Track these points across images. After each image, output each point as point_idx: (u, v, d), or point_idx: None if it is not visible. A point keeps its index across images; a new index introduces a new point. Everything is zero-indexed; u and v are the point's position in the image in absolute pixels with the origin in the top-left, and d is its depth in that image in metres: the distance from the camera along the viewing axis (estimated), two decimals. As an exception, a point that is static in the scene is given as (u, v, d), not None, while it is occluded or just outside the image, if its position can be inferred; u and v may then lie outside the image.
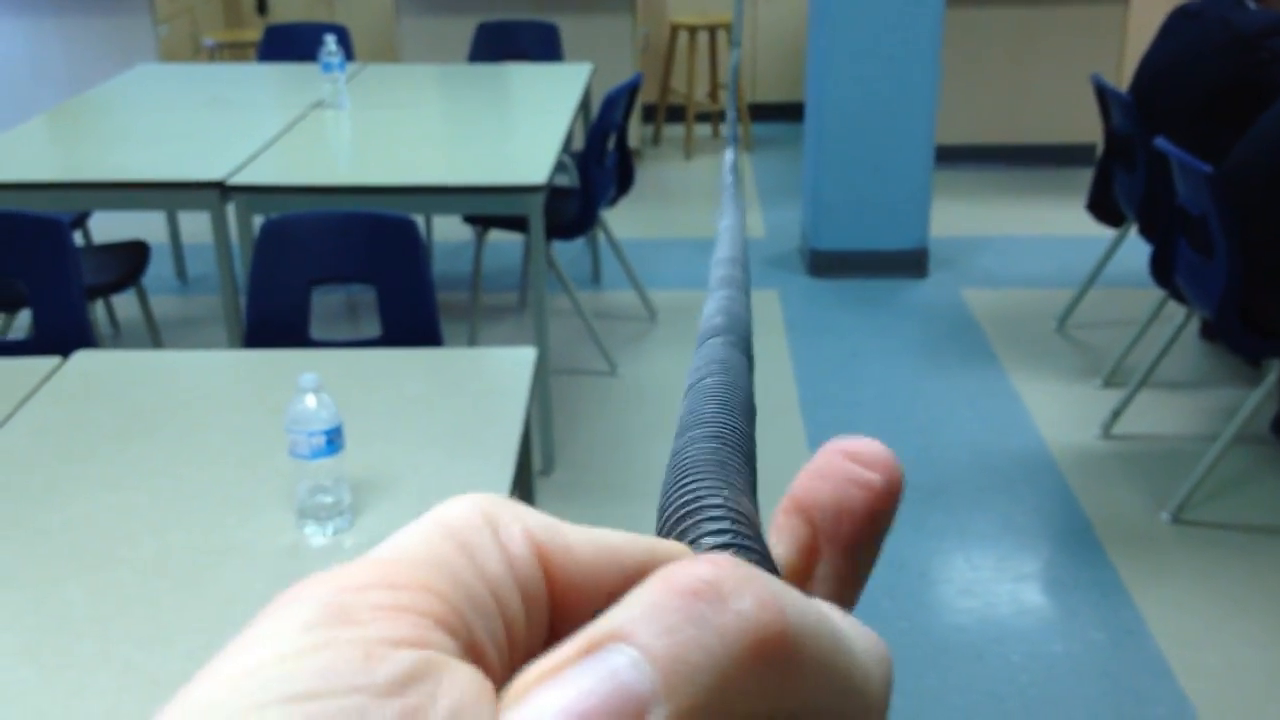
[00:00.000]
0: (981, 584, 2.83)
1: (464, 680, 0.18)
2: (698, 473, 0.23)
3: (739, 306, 0.30)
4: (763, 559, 0.22)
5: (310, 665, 0.17)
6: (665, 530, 0.23)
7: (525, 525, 0.21)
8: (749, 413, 0.26)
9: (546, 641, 0.20)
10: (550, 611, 0.21)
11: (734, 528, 0.22)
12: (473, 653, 0.19)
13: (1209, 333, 3.92)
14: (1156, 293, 3.52)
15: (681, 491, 0.23)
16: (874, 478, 0.25)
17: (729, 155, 0.40)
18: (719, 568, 0.19)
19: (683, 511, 0.22)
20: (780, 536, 0.25)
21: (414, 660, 0.18)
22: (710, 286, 0.31)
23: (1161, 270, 3.32)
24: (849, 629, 0.21)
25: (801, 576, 0.25)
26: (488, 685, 0.18)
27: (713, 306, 0.30)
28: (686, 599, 0.18)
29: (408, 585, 0.19)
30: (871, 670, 0.21)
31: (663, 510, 0.23)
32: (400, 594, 0.19)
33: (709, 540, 0.22)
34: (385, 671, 0.17)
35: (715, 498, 0.22)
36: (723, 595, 0.18)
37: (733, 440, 0.25)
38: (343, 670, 0.17)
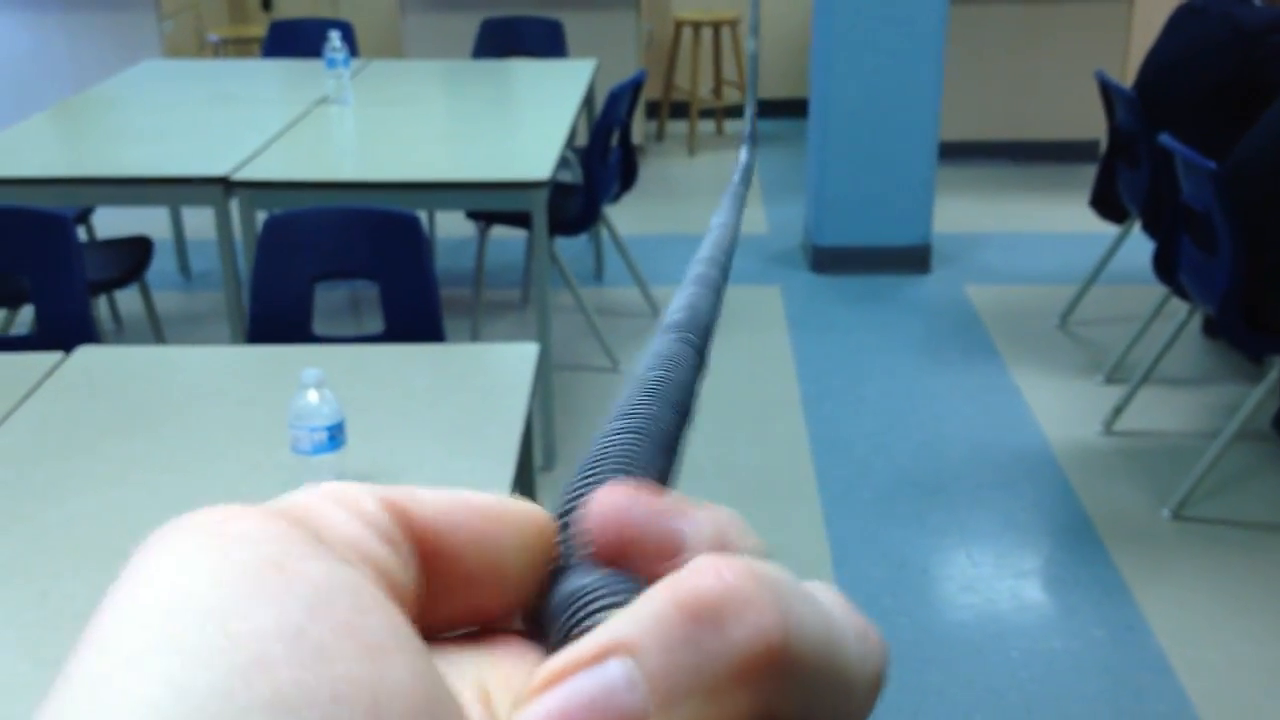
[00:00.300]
0: (982, 580, 2.83)
1: (379, 597, 0.19)
2: (597, 468, 0.23)
3: (705, 304, 0.29)
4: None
5: (219, 593, 0.17)
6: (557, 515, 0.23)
7: (372, 491, 0.21)
8: (682, 408, 0.26)
9: (426, 584, 0.21)
10: (419, 554, 0.21)
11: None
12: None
13: (1211, 329, 3.91)
14: (1159, 289, 3.52)
15: (577, 483, 0.23)
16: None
17: (743, 155, 0.40)
18: (723, 582, 0.19)
19: (569, 506, 0.23)
20: None
21: (327, 570, 0.18)
22: (684, 281, 0.31)
23: (1164, 267, 3.31)
24: (843, 621, 0.21)
25: None
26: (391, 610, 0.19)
27: (678, 302, 0.30)
28: (687, 619, 0.19)
29: (285, 515, 0.19)
30: (863, 668, 0.21)
31: (562, 497, 0.24)
32: (284, 522, 0.19)
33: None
34: (302, 584, 0.18)
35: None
36: (722, 619, 0.19)
37: (652, 432, 0.24)
38: (258, 588, 0.17)
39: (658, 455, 0.24)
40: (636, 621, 0.19)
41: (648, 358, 0.27)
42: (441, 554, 0.21)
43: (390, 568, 0.20)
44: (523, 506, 0.23)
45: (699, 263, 0.32)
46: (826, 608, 0.21)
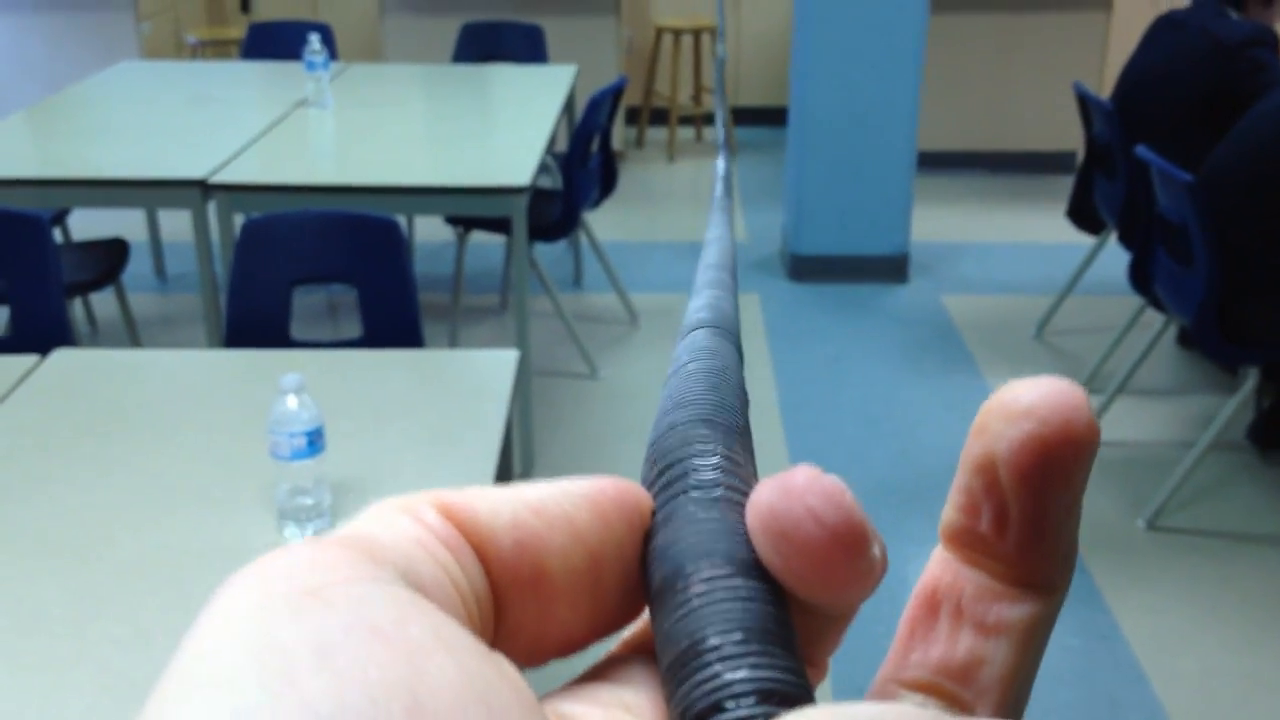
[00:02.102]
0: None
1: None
2: (688, 430, 0.22)
3: (727, 305, 0.29)
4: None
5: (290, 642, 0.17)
6: (655, 473, 0.22)
7: (435, 498, 0.21)
8: (742, 397, 0.25)
9: (506, 601, 0.20)
10: (489, 566, 0.20)
11: (725, 475, 0.21)
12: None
13: (1186, 340, 3.94)
14: (1135, 300, 3.54)
15: (671, 449, 0.22)
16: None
17: (720, 163, 0.40)
18: None
19: (671, 459, 0.22)
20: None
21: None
22: (695, 288, 0.31)
23: (1140, 278, 3.34)
24: None
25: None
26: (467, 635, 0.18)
27: (698, 303, 0.29)
28: None
29: (345, 544, 0.19)
30: None
31: (652, 459, 0.22)
32: (357, 557, 0.19)
33: (696, 491, 0.21)
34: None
35: (706, 454, 0.22)
36: None
37: (726, 417, 0.23)
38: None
39: (744, 435, 0.23)
40: None
41: (690, 351, 0.26)
42: (520, 566, 0.21)
43: (448, 574, 0.20)
44: (624, 497, 0.22)
45: (710, 269, 0.31)
46: None
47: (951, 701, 0.21)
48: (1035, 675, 0.22)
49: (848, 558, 0.20)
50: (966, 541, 0.21)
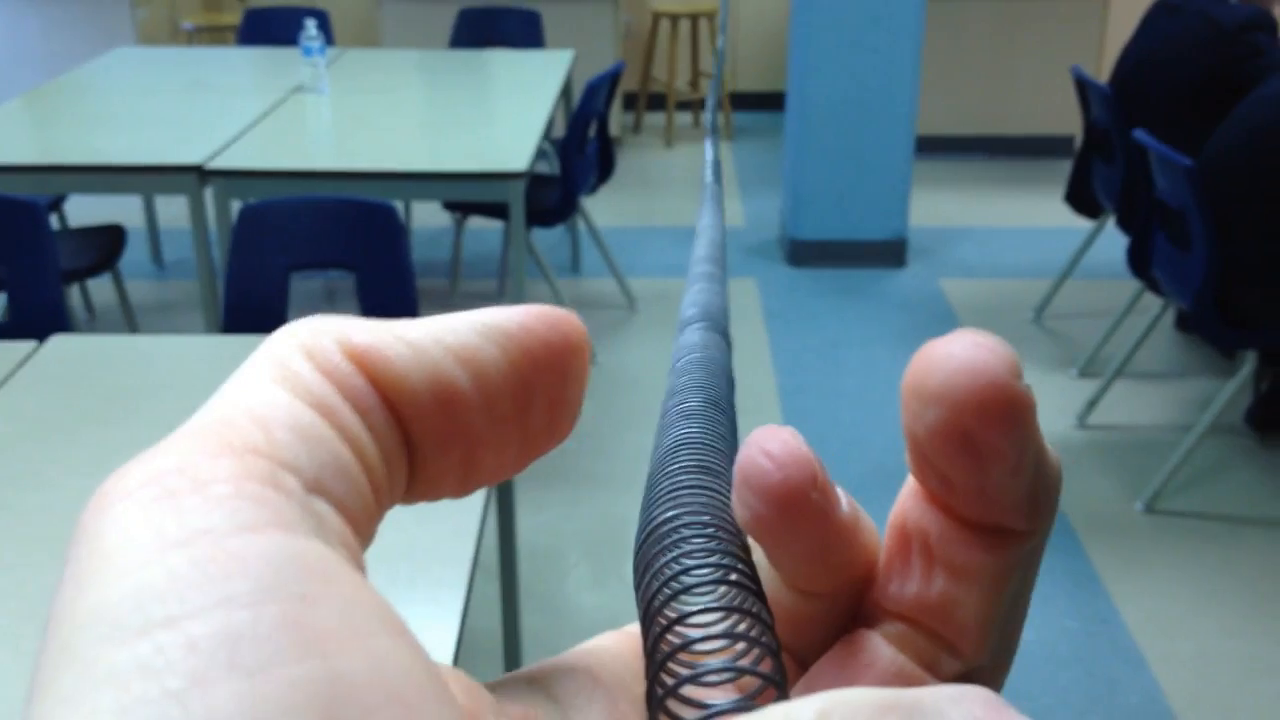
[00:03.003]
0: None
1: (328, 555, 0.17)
2: (680, 478, 0.22)
3: (715, 298, 0.29)
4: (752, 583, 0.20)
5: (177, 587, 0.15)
6: (643, 540, 0.21)
7: (341, 339, 0.19)
8: (726, 378, 0.26)
9: (404, 442, 0.19)
10: (389, 414, 0.19)
11: (721, 559, 0.20)
12: (323, 493, 0.18)
13: (1184, 324, 3.94)
14: (1133, 284, 3.54)
15: (662, 502, 0.21)
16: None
17: (709, 152, 0.40)
18: None
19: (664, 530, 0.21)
20: None
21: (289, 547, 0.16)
22: (688, 282, 0.31)
23: (1138, 262, 3.33)
24: None
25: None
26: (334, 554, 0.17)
27: (688, 299, 0.30)
28: None
29: (240, 451, 0.17)
30: None
31: (646, 513, 0.22)
32: (235, 466, 0.17)
33: (693, 569, 0.20)
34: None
35: (699, 519, 0.21)
36: None
37: (719, 408, 0.24)
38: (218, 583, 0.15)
39: (727, 420, 0.24)
40: None
41: (681, 348, 0.26)
42: (440, 422, 0.20)
43: (355, 448, 0.18)
44: (554, 334, 0.21)
45: (700, 262, 0.32)
46: None
47: (933, 637, 0.21)
48: (1024, 616, 0.22)
49: (800, 492, 0.20)
50: (924, 481, 0.21)
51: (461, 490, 0.21)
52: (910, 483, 0.22)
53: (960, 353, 0.19)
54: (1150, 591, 2.78)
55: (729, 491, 0.21)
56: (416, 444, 0.20)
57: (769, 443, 0.20)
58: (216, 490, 0.16)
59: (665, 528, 0.20)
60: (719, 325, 0.28)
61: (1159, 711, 2.42)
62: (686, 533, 0.20)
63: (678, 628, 0.19)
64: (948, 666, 0.21)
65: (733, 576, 0.20)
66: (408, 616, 0.17)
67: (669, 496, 0.21)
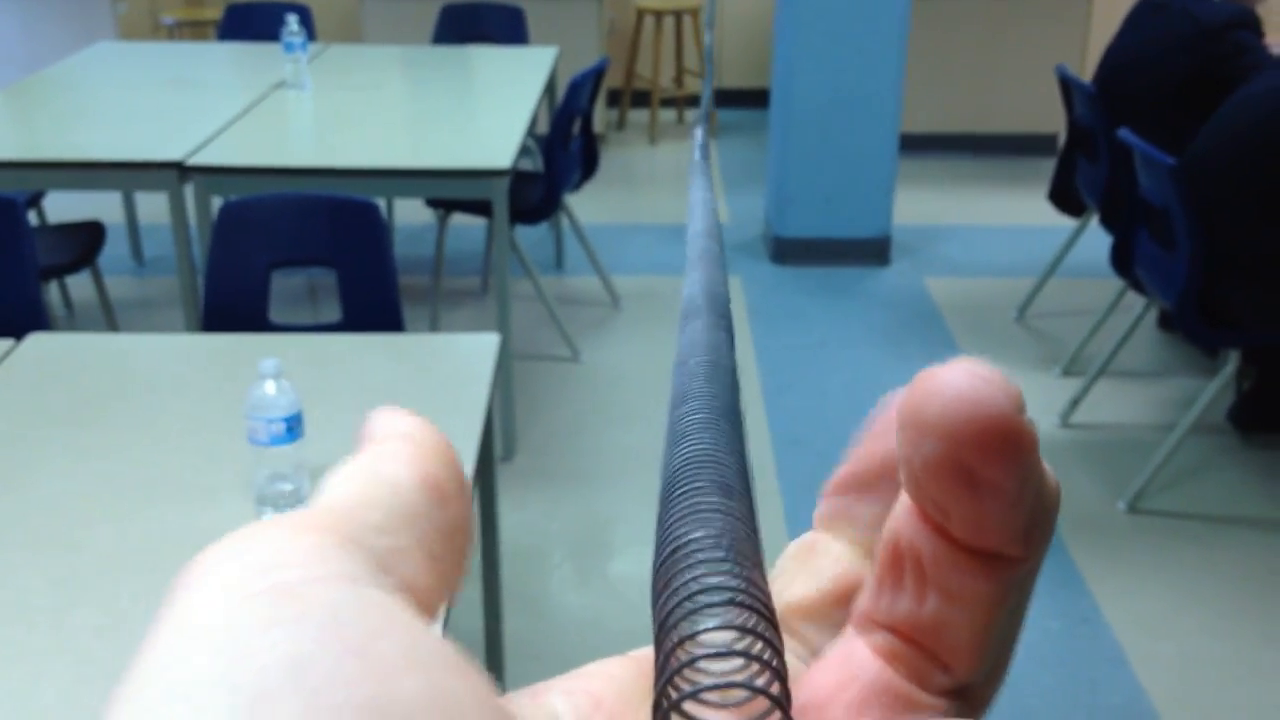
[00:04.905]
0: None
1: (385, 602, 0.18)
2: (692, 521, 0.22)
3: (718, 284, 0.29)
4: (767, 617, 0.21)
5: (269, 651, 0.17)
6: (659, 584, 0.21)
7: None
8: (734, 387, 0.26)
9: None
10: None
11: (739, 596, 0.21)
12: (390, 571, 0.19)
13: (1167, 323, 3.95)
14: (1116, 283, 3.55)
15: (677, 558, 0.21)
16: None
17: (699, 133, 0.40)
18: None
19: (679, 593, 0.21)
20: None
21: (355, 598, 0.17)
22: (689, 260, 0.31)
23: (1122, 261, 3.34)
24: None
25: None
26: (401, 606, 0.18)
27: (693, 284, 0.30)
28: None
29: (317, 528, 0.19)
30: None
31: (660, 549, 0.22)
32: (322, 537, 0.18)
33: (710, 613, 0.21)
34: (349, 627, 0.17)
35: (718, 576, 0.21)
36: None
37: (731, 420, 0.24)
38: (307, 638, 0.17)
39: (737, 433, 0.24)
40: None
41: (689, 346, 0.26)
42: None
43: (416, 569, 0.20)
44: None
45: (698, 237, 0.32)
46: None
47: (925, 654, 0.21)
48: (1018, 635, 0.22)
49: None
50: (920, 506, 0.21)
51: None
52: (905, 499, 0.21)
53: (960, 384, 0.19)
54: (1133, 591, 2.78)
55: (748, 513, 0.22)
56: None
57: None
58: (294, 548, 0.18)
59: (686, 549, 0.21)
60: (724, 312, 0.28)
61: (1141, 711, 2.42)
62: (705, 556, 0.21)
63: (689, 644, 0.19)
64: (939, 682, 0.21)
65: (748, 600, 0.20)
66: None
67: (692, 516, 0.21)
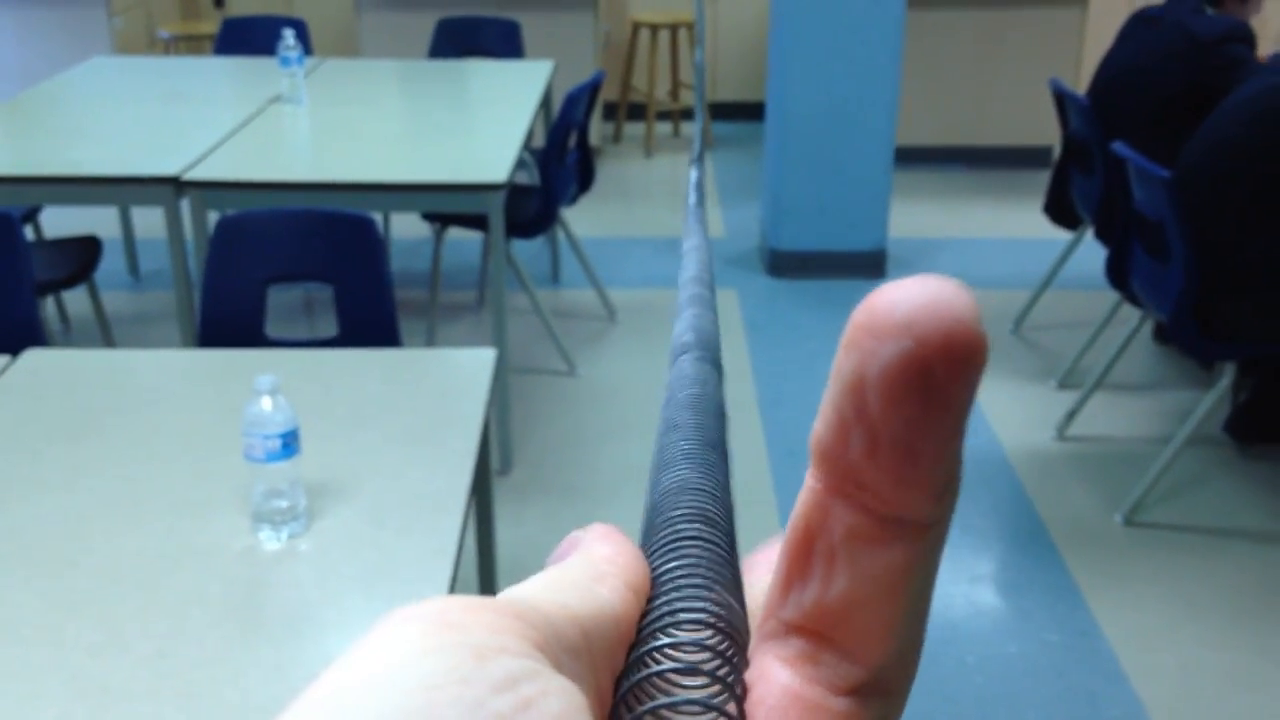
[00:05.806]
0: (937, 585, 2.84)
1: (568, 686, 0.19)
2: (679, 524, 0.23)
3: (707, 323, 0.30)
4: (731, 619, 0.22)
5: (427, 665, 0.18)
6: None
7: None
8: (721, 417, 0.27)
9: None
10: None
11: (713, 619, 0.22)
12: (548, 651, 0.20)
13: (1162, 335, 3.95)
14: (1111, 295, 3.55)
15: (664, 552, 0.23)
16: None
17: (694, 174, 0.39)
18: None
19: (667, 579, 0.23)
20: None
21: (521, 664, 0.19)
22: (679, 305, 0.32)
23: (1117, 273, 3.34)
24: None
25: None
26: (584, 698, 0.19)
27: (682, 325, 0.30)
28: None
29: (508, 613, 0.20)
30: None
31: (647, 543, 0.24)
32: (502, 617, 0.20)
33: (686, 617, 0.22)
34: (496, 669, 0.18)
35: (697, 593, 0.22)
36: None
37: (718, 451, 0.25)
38: (458, 667, 0.18)
39: (722, 463, 0.25)
40: None
41: (678, 380, 0.27)
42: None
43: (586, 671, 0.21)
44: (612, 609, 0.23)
45: (690, 283, 0.32)
46: None
47: (830, 647, 0.21)
48: (925, 618, 0.22)
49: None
50: (836, 467, 0.20)
51: None
52: (808, 487, 0.21)
53: (929, 289, 0.19)
54: (1130, 604, 2.78)
55: (726, 542, 0.22)
56: None
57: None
58: (482, 620, 0.19)
59: (665, 577, 0.22)
60: (714, 354, 0.29)
61: (1140, 724, 2.42)
62: (684, 583, 0.22)
63: (658, 655, 0.21)
64: (850, 677, 0.21)
65: (720, 624, 0.21)
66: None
67: (673, 546, 0.23)
